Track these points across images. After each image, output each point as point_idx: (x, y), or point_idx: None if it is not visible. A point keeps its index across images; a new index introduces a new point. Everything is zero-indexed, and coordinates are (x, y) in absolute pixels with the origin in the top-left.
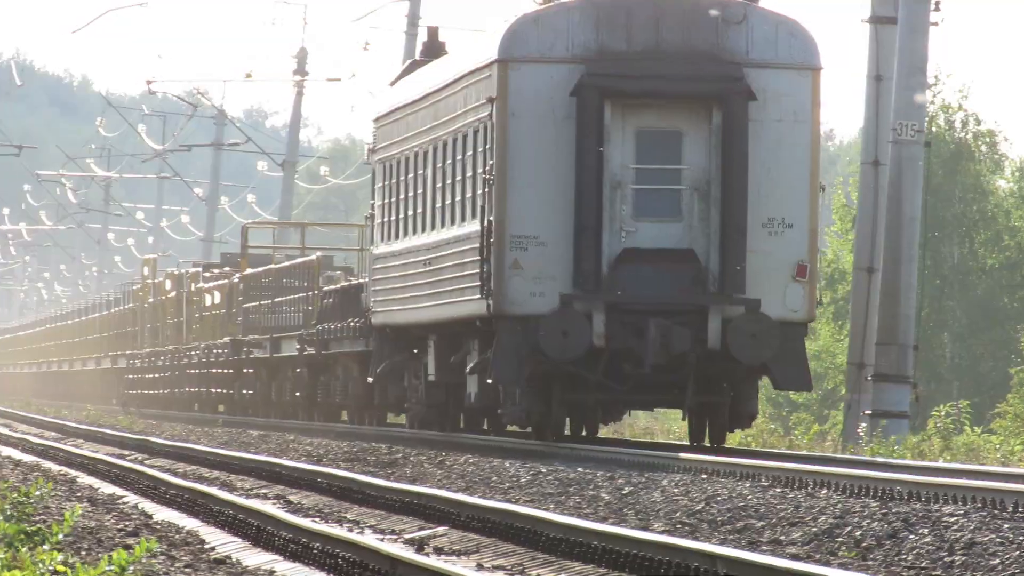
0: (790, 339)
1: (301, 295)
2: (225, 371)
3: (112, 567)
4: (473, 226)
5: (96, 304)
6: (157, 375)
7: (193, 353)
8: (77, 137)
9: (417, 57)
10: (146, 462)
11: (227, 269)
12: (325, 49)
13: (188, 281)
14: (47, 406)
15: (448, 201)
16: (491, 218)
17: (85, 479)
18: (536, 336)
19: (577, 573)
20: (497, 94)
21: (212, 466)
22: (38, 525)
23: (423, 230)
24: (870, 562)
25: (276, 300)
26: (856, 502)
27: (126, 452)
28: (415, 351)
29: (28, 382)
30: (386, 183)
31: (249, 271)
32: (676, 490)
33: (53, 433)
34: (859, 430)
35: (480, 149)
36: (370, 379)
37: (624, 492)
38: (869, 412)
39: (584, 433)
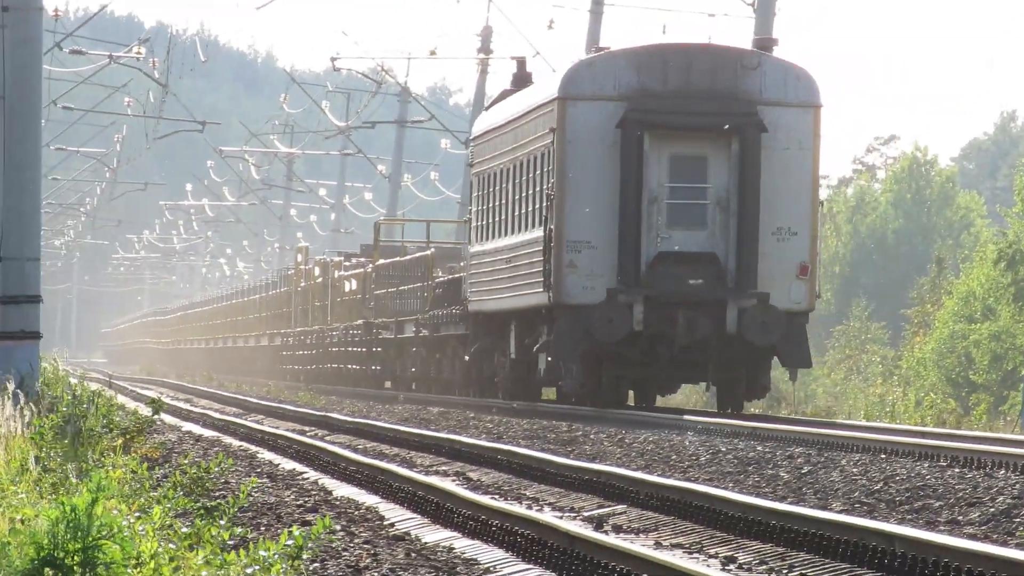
0: (794, 325)
1: (419, 284)
2: (360, 349)
3: (291, 543)
4: (539, 232)
5: (257, 286)
6: (305, 352)
7: (334, 333)
8: (260, 113)
9: (509, 86)
10: (326, 438)
11: (363, 259)
12: (510, 27)
13: (332, 269)
14: (228, 381)
15: (523, 211)
16: (552, 226)
17: (265, 455)
18: (587, 322)
19: (755, 552)
20: (557, 125)
21: (392, 443)
22: (218, 500)
23: (505, 234)
24: None
25: (400, 288)
26: None
27: (307, 428)
28: (501, 334)
29: (198, 357)
30: (480, 193)
31: (381, 262)
32: (855, 469)
33: (234, 408)
34: None
35: (545, 169)
36: (466, 357)
37: (803, 471)
38: None
39: (644, 404)
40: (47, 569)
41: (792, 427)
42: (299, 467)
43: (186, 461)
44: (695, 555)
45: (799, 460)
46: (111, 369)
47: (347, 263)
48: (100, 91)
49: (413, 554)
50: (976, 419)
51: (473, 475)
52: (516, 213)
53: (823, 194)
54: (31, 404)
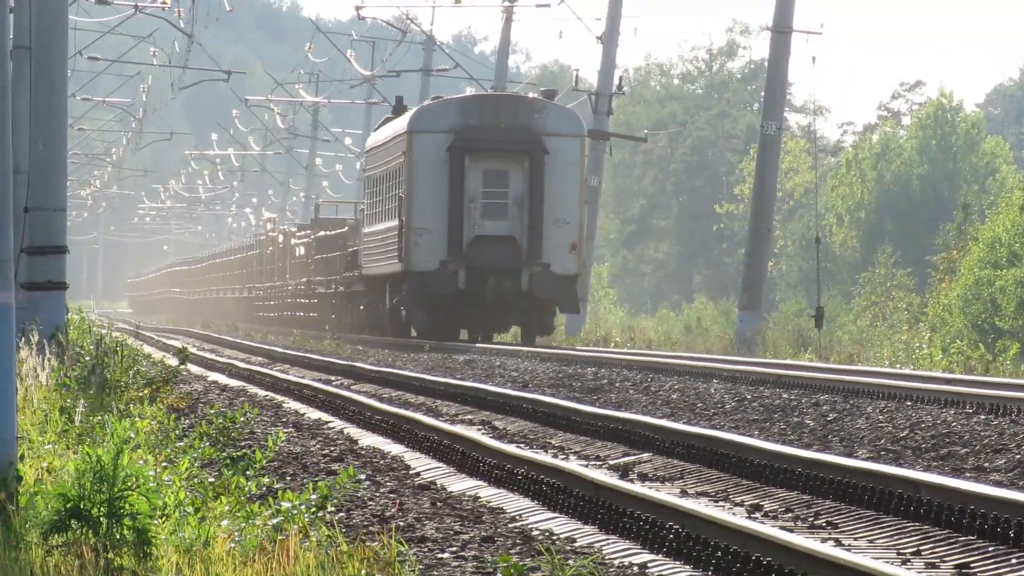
0: (567, 285)
1: (339, 252)
2: (304, 300)
3: (315, 496)
4: (397, 221)
5: (239, 247)
6: (269, 302)
7: (288, 288)
8: (286, 62)
9: (391, 114)
10: (352, 388)
11: (311, 231)
12: None
13: (289, 237)
14: (254, 331)
15: (389, 206)
16: (403, 218)
17: (291, 404)
18: (427, 284)
19: (781, 500)
20: (407, 149)
21: (417, 392)
22: (243, 450)
23: (381, 221)
24: None
25: (329, 255)
26: None
27: (332, 377)
28: (381, 291)
29: (204, 306)
30: (369, 191)
31: (320, 233)
32: (880, 417)
33: (259, 358)
34: None
35: (401, 179)
36: (361, 307)
37: (829, 419)
38: None
39: (481, 340)
40: (73, 520)
41: (818, 374)
42: (324, 416)
43: (212, 411)
44: (721, 503)
45: (825, 407)
46: (137, 319)
47: (300, 233)
48: (126, 41)
49: (439, 503)
50: (1003, 365)
51: (498, 424)
52: (386, 208)
53: (848, 140)
54: (56, 355)
